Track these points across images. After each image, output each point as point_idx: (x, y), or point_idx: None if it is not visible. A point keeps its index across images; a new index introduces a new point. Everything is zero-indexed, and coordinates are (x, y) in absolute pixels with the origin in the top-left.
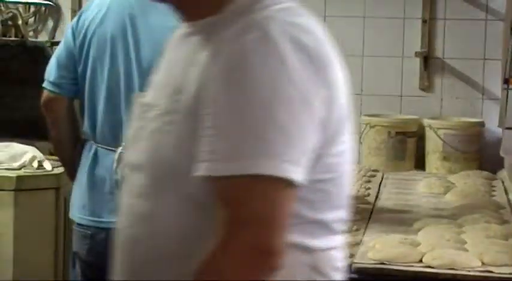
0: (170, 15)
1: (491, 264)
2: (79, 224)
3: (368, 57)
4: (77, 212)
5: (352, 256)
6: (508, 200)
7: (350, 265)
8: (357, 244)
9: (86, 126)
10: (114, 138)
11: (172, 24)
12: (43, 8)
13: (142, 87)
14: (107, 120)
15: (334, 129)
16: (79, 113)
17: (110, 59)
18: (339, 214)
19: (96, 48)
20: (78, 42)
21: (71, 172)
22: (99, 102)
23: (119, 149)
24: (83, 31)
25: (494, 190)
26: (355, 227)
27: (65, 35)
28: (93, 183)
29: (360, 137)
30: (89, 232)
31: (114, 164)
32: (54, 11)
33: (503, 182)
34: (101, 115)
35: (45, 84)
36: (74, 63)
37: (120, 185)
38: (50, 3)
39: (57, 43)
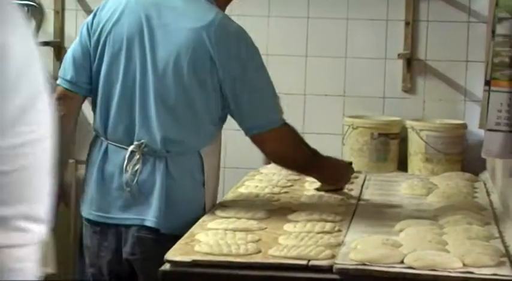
0: (185, 16)
1: (473, 265)
2: (88, 220)
3: (351, 59)
4: (86, 207)
5: (333, 256)
6: (490, 201)
7: (331, 266)
8: (339, 244)
9: (97, 123)
10: (126, 136)
11: (188, 26)
12: (26, 9)
13: (157, 87)
14: (121, 118)
15: (3, 122)
16: (92, 109)
17: (126, 59)
18: (23, 210)
19: (112, 47)
20: (93, 40)
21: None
22: (113, 101)
23: (131, 147)
24: (99, 30)
25: (476, 192)
26: (337, 228)
27: (79, 33)
28: (103, 179)
29: (343, 139)
30: (98, 227)
31: (125, 162)
32: (37, 12)
33: (485, 184)
34: (114, 113)
35: (60, 82)
36: (90, 62)
37: (130, 182)
38: (33, 3)
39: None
